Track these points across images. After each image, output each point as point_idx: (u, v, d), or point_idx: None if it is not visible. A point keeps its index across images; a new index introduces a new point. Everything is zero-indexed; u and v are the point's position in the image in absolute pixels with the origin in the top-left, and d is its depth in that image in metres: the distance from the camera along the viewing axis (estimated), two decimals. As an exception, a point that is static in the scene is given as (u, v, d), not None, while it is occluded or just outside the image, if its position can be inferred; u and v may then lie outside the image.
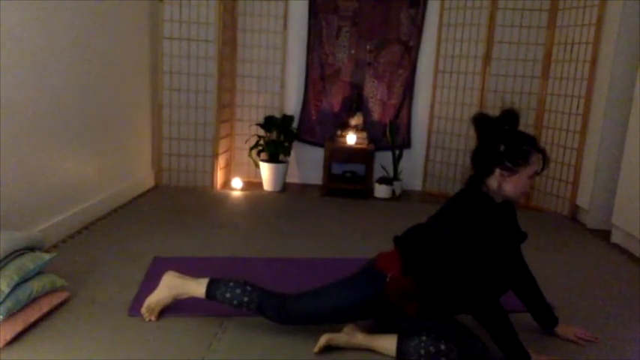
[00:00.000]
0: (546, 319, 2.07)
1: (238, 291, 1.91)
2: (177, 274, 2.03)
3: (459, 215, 1.82)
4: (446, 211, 1.88)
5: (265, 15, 4.44)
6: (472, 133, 4.52)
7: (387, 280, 1.82)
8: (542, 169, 1.85)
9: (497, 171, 1.81)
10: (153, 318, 2.00)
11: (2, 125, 2.35)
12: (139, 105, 3.93)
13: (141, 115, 3.99)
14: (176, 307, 2.05)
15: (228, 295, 1.91)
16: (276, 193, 4.30)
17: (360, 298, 1.86)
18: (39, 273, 2.03)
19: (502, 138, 1.81)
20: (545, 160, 1.84)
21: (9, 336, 1.78)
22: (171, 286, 1.99)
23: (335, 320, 1.92)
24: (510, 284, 1.95)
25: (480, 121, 1.86)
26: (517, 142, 1.80)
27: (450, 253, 1.78)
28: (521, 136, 1.83)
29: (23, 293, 1.89)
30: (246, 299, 1.90)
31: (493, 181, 1.82)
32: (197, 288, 1.96)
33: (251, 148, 4.35)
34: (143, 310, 2.00)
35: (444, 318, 1.83)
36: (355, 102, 4.46)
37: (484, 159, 1.84)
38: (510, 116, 1.82)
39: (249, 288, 1.92)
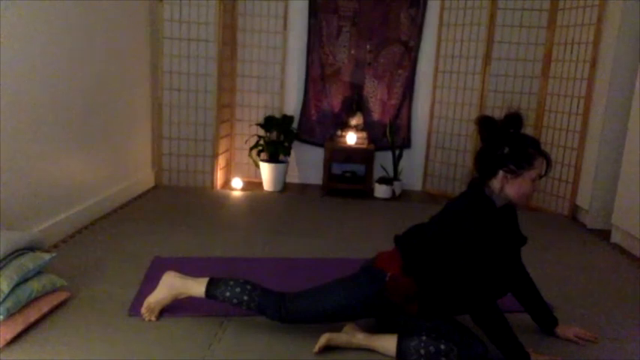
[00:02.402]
0: (545, 321, 2.07)
1: (238, 289, 1.91)
2: (177, 273, 2.03)
3: (459, 217, 1.82)
4: (447, 211, 1.88)
5: (265, 15, 4.44)
6: (472, 133, 4.54)
7: (387, 279, 1.82)
8: (546, 173, 1.85)
9: (501, 173, 1.80)
10: (153, 318, 2.00)
11: (2, 125, 2.35)
12: (139, 105, 3.93)
13: (141, 115, 3.99)
14: (176, 307, 2.06)
15: (228, 293, 1.91)
16: (276, 193, 4.30)
17: (360, 297, 1.86)
18: (39, 273, 2.03)
19: (507, 140, 1.80)
20: (549, 163, 1.84)
21: (9, 336, 1.78)
22: (171, 285, 2.00)
23: (335, 319, 1.92)
24: (508, 287, 1.95)
25: (485, 123, 1.85)
26: (522, 145, 1.80)
27: (448, 254, 1.78)
28: (525, 139, 1.83)
29: (23, 293, 1.89)
30: (246, 298, 1.90)
31: (496, 184, 1.82)
32: (197, 287, 1.96)
33: (251, 148, 4.35)
34: (143, 310, 2.00)
35: (444, 318, 1.83)
36: (355, 102, 4.46)
37: (488, 161, 1.83)
38: (515, 119, 1.81)
39: (249, 287, 1.93)
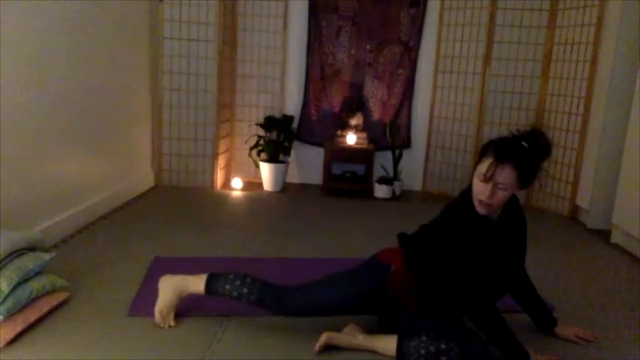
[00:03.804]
0: (545, 322, 2.07)
1: (238, 282, 1.91)
2: (172, 275, 2.02)
3: (443, 217, 1.83)
4: (442, 212, 1.88)
5: (265, 15, 4.44)
6: (472, 133, 4.53)
7: (391, 272, 1.82)
8: (486, 176, 1.68)
9: None
10: (172, 323, 1.97)
11: (2, 125, 2.35)
12: (139, 105, 3.93)
13: (141, 115, 3.99)
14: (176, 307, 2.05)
15: (228, 286, 1.91)
16: (276, 193, 4.30)
17: (362, 291, 1.86)
18: (39, 273, 2.03)
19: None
20: (490, 166, 1.67)
21: (9, 336, 1.78)
22: (172, 284, 1.98)
23: (335, 312, 1.92)
24: (506, 289, 1.95)
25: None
26: (488, 142, 1.77)
27: (441, 256, 1.78)
28: (499, 139, 1.76)
29: (23, 293, 1.89)
30: (245, 290, 1.90)
31: None
32: (197, 283, 1.95)
33: (251, 148, 4.35)
34: (157, 319, 1.96)
35: (444, 317, 1.83)
36: (355, 102, 4.46)
37: None
38: (537, 136, 1.74)
39: (248, 280, 1.92)
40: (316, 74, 4.53)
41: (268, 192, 4.32)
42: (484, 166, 1.70)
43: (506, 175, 1.68)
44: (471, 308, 1.77)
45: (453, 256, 1.75)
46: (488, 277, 1.80)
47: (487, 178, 1.69)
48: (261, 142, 4.30)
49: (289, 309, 1.91)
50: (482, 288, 1.77)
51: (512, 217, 1.89)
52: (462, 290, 1.76)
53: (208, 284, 1.93)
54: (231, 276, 1.93)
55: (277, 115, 4.46)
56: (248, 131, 4.55)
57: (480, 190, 1.72)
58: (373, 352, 1.85)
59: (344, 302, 1.88)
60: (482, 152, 1.75)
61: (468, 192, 1.83)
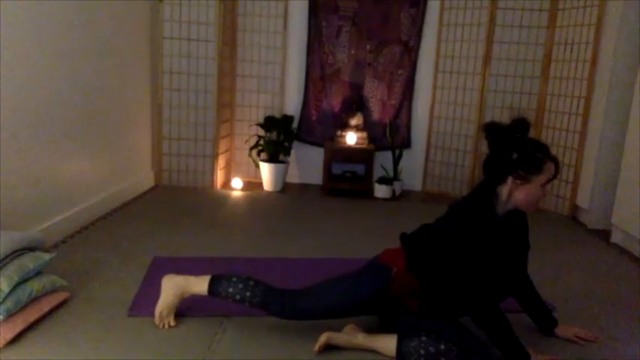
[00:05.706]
0: (545, 323, 2.07)
1: (241, 286, 1.91)
2: (175, 275, 2.02)
3: (457, 222, 1.83)
4: (449, 214, 1.88)
5: (265, 15, 4.44)
6: (472, 133, 4.52)
7: (393, 274, 1.82)
8: (554, 177, 1.83)
9: (510, 179, 1.79)
10: (172, 323, 1.97)
11: (2, 125, 2.35)
12: (139, 105, 3.94)
13: (141, 115, 3.99)
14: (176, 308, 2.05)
15: (230, 289, 1.91)
16: (276, 193, 4.30)
17: (365, 292, 1.86)
18: (39, 273, 2.03)
19: (514, 146, 1.79)
20: (558, 168, 1.82)
21: (9, 336, 1.78)
22: (175, 285, 1.98)
23: (337, 315, 1.92)
24: (509, 291, 1.95)
25: (491, 129, 1.83)
26: (530, 151, 1.79)
27: (447, 257, 1.78)
28: (533, 144, 1.82)
29: (23, 293, 1.89)
30: (248, 294, 1.90)
31: (505, 190, 1.81)
32: (200, 284, 1.95)
33: (251, 148, 4.35)
34: (157, 321, 1.96)
35: (445, 318, 1.83)
36: (355, 102, 4.46)
37: (496, 167, 1.82)
38: (522, 124, 1.80)
39: (251, 283, 1.92)
40: (316, 74, 4.53)
41: (268, 192, 4.32)
42: (548, 173, 1.79)
43: None
44: (474, 308, 1.77)
45: (465, 255, 1.75)
46: (496, 277, 1.80)
47: (551, 180, 1.82)
48: (261, 142, 4.30)
49: (293, 312, 1.91)
50: (488, 287, 1.77)
51: (516, 215, 1.91)
52: (466, 290, 1.76)
53: (211, 287, 1.93)
54: (234, 279, 1.93)
55: (277, 115, 4.46)
56: (248, 131, 4.55)
57: (542, 193, 1.82)
58: (373, 351, 1.85)
59: (347, 305, 1.88)
60: (537, 163, 1.78)
61: (479, 194, 1.84)
